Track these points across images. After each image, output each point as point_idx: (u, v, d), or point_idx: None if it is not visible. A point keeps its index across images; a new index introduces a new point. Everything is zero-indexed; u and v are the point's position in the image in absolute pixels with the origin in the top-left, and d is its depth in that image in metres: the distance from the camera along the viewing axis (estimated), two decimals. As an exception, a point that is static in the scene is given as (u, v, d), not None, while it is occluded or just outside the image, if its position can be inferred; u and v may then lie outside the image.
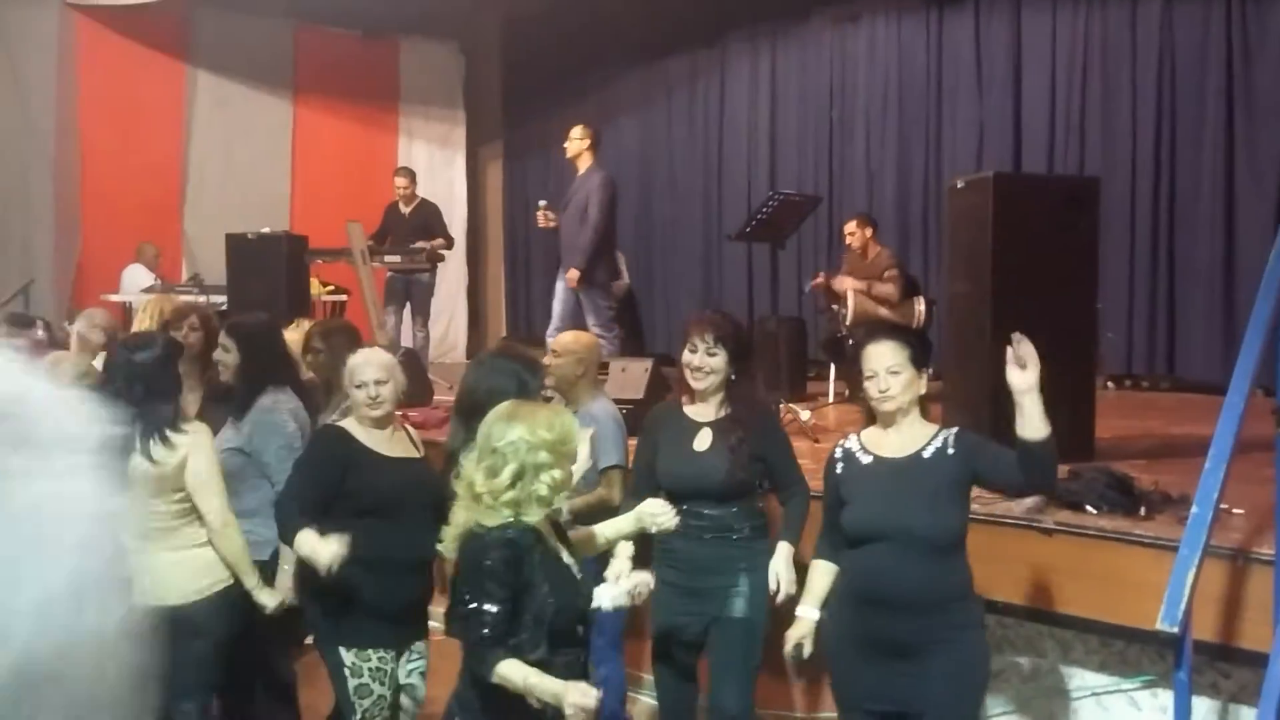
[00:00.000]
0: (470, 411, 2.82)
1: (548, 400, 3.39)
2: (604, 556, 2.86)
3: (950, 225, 4.50)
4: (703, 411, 3.19)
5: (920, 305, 6.38)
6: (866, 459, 2.74)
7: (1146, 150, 6.87)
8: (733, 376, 3.15)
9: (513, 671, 2.21)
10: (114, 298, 7.81)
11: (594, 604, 2.48)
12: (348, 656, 3.01)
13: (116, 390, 3.04)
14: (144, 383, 3.05)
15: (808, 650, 2.82)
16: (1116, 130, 6.98)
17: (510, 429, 2.33)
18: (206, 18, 9.17)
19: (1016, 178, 4.67)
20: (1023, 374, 2.50)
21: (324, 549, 2.82)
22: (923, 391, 2.72)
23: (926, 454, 2.66)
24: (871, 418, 2.78)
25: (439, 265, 7.89)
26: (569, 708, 2.14)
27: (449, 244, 7.94)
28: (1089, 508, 3.23)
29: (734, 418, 3.13)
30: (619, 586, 2.54)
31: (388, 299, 7.69)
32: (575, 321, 6.07)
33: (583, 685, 2.19)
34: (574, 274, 6.14)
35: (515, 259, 10.99)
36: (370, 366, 3.15)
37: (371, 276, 7.31)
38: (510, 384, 2.90)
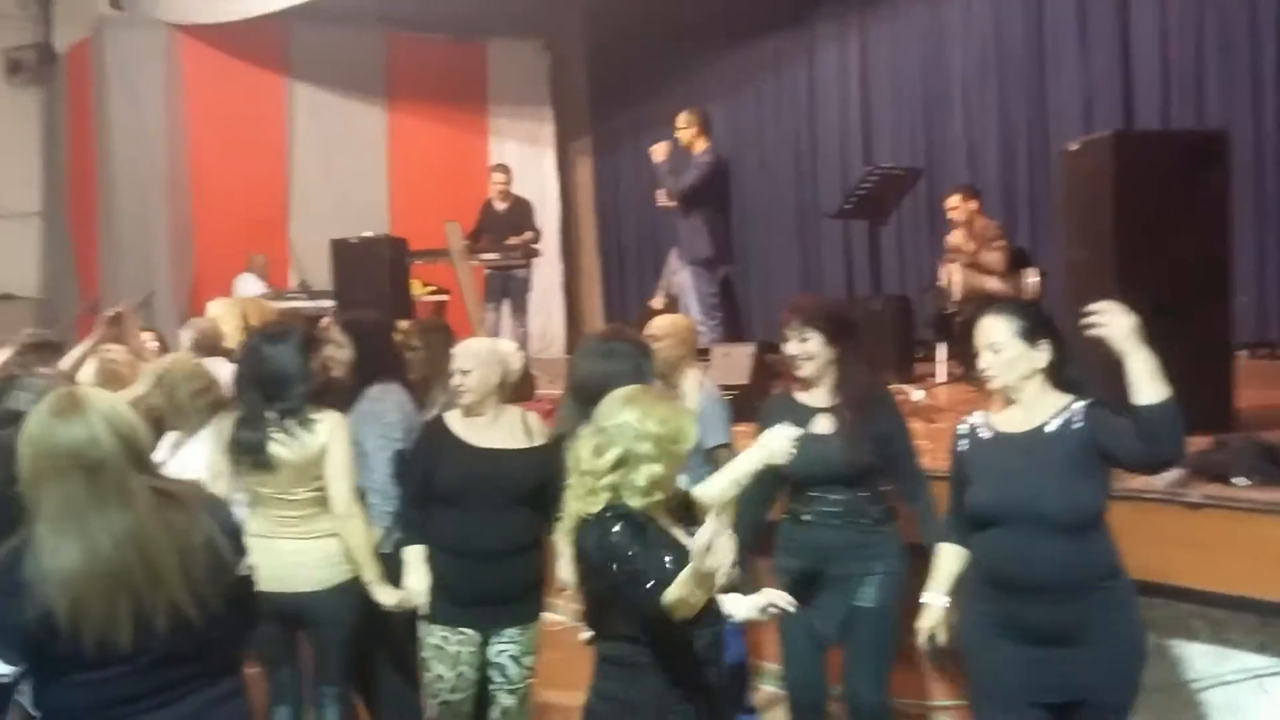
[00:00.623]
0: (585, 397, 2.80)
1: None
2: None
3: (1065, 190, 4.31)
4: (817, 397, 3.12)
5: (1032, 277, 6.15)
6: (988, 435, 2.62)
7: (1270, 99, 6.47)
8: (836, 358, 3.08)
9: (680, 586, 2.12)
10: (230, 306, 8.05)
11: (725, 611, 2.44)
12: (422, 630, 3.19)
13: (253, 380, 3.12)
14: (281, 372, 3.12)
15: (941, 638, 2.73)
16: (1235, 80, 6.60)
17: (623, 412, 2.30)
18: (303, 30, 9.37)
19: (1138, 135, 4.45)
20: (1113, 324, 2.34)
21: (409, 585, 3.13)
22: (1041, 365, 2.55)
23: (1050, 428, 2.52)
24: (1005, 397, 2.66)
25: (534, 260, 7.95)
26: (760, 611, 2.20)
27: (536, 237, 7.99)
28: (1237, 480, 3.05)
29: (847, 400, 3.06)
30: (753, 600, 2.51)
31: (486, 296, 7.79)
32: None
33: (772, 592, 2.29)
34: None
35: (609, 253, 11.02)
36: (460, 355, 3.25)
37: (470, 275, 7.41)
38: (626, 367, 2.88)
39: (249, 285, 8.55)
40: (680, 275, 6.83)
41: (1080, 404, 2.54)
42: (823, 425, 3.07)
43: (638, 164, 10.38)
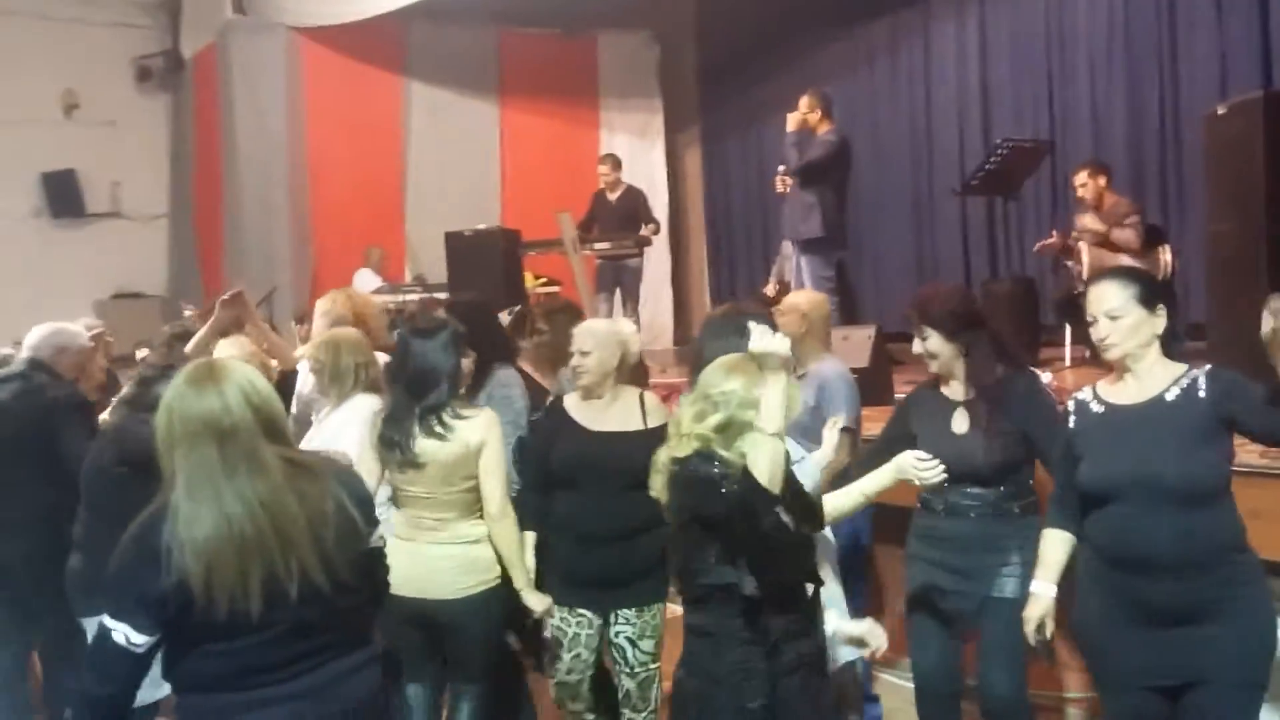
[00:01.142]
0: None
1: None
2: None
3: (1209, 158, 4.09)
4: (956, 390, 3.03)
5: (1166, 254, 5.84)
6: (1099, 409, 2.50)
7: None
8: (961, 352, 2.97)
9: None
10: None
11: (830, 655, 2.38)
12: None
13: (402, 376, 3.11)
14: (431, 368, 3.06)
15: (1049, 630, 2.61)
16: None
17: (729, 379, 2.29)
18: (419, 29, 9.55)
19: (1290, 96, 4.16)
20: None
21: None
22: (1159, 331, 2.45)
23: (1170, 396, 2.40)
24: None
25: (645, 250, 7.93)
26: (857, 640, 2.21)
27: (657, 229, 7.97)
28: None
29: (983, 394, 2.95)
30: (857, 626, 2.44)
31: (598, 286, 7.80)
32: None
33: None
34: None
35: (718, 244, 10.91)
36: (579, 336, 3.24)
37: (583, 265, 7.43)
38: (736, 336, 2.77)
39: (366, 280, 8.76)
40: (792, 261, 6.75)
41: (1200, 371, 2.43)
42: (960, 422, 2.99)
43: (745, 153, 10.31)
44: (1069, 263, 5.92)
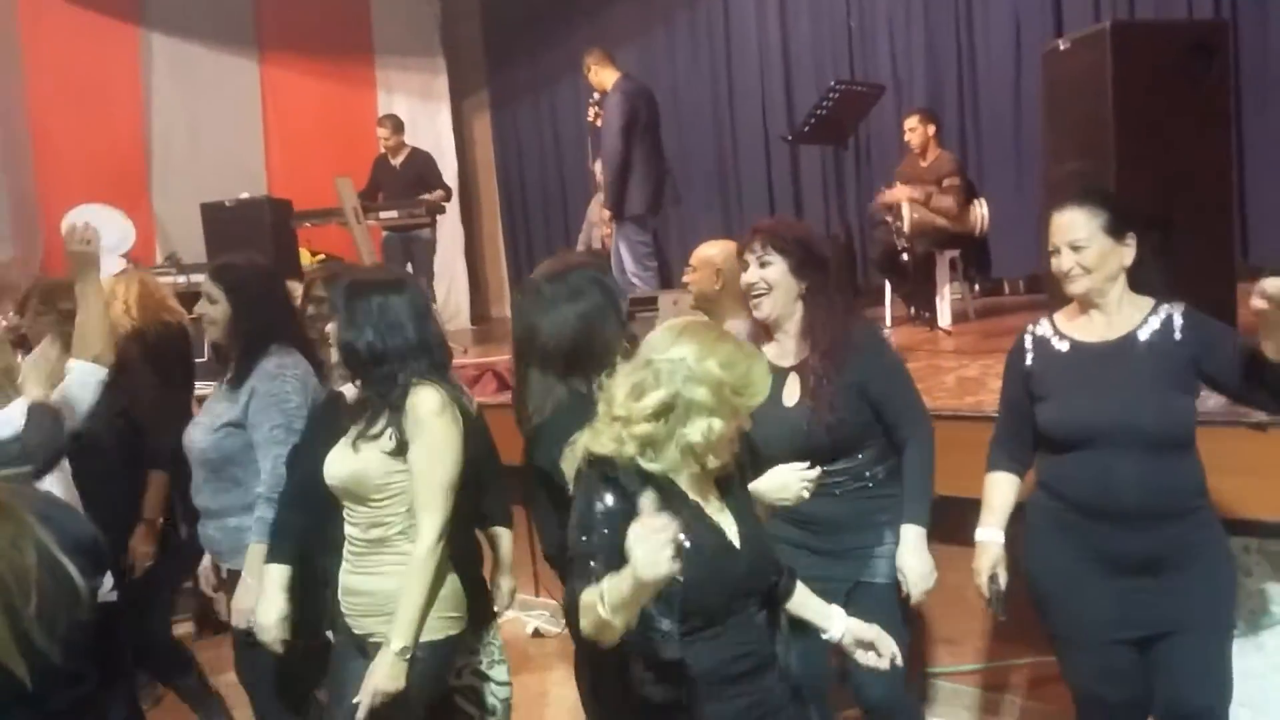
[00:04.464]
0: (543, 355, 2.15)
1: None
2: None
3: (1049, 97, 3.86)
4: (783, 352, 2.54)
5: (981, 209, 5.76)
6: (1063, 345, 2.30)
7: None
8: (804, 294, 2.51)
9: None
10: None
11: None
12: None
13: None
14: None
15: (1003, 580, 2.34)
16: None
17: (676, 346, 1.73)
18: (155, -25, 8.41)
19: (1135, 27, 4.04)
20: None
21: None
22: (1128, 263, 2.24)
23: (1143, 335, 2.23)
24: (1065, 299, 2.33)
25: (439, 220, 7.26)
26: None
27: (448, 194, 7.32)
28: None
29: (819, 353, 2.47)
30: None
31: (386, 260, 7.03)
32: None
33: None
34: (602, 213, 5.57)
35: (513, 214, 10.29)
36: None
37: (367, 236, 6.65)
38: (568, 301, 2.17)
39: (107, 262, 7.60)
40: (602, 228, 6.27)
41: (1175, 310, 2.23)
42: (791, 392, 2.51)
43: (539, 117, 9.76)
44: (889, 218, 5.73)
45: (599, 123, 5.85)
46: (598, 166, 6.16)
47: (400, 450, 2.21)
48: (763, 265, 2.52)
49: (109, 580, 1.65)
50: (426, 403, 2.21)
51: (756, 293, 2.54)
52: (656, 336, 1.79)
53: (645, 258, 5.71)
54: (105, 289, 4.47)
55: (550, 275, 2.25)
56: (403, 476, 2.24)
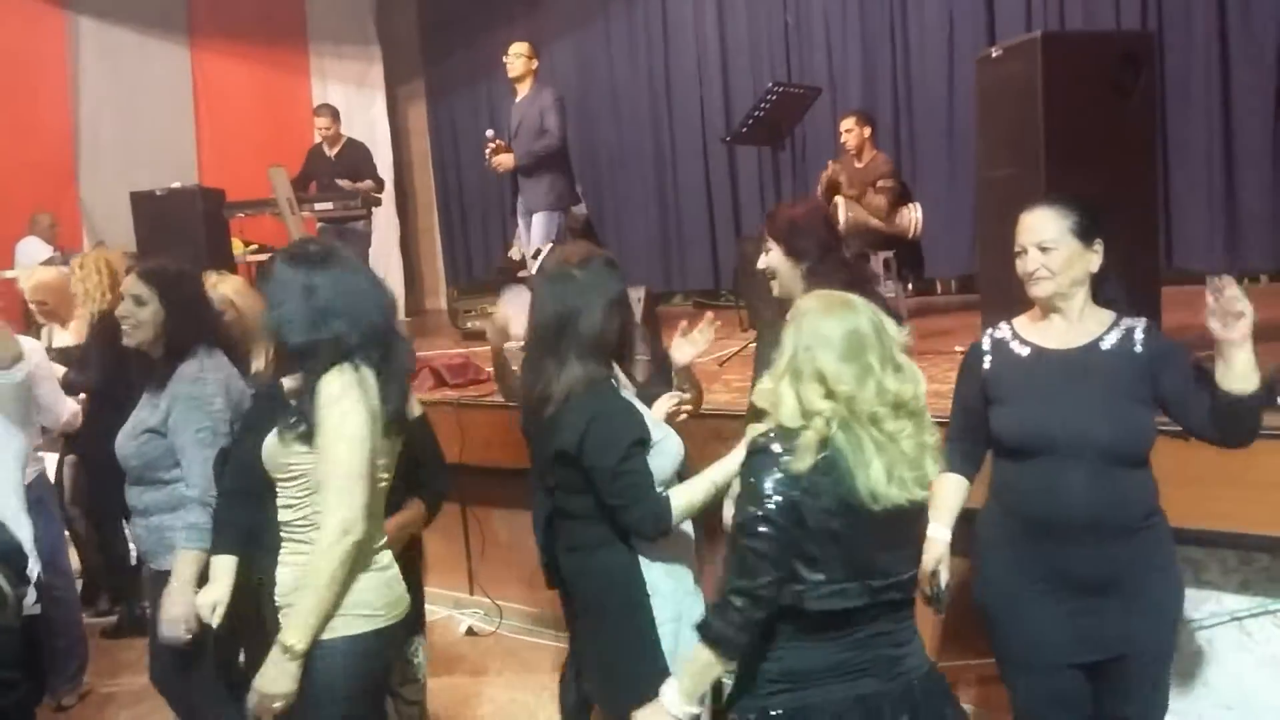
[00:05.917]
0: (578, 339, 2.17)
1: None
2: None
3: (983, 102, 3.94)
4: None
5: (915, 212, 5.85)
6: (1023, 350, 2.24)
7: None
8: (805, 274, 2.59)
9: None
10: (9, 274, 6.91)
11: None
12: None
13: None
14: None
15: (945, 579, 2.28)
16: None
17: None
18: (83, -43, 8.16)
19: (1066, 37, 4.12)
20: (1233, 325, 1.94)
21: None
22: (1093, 270, 2.18)
23: (1105, 345, 2.17)
24: (998, 301, 2.42)
25: (374, 212, 7.16)
26: None
27: (379, 186, 7.21)
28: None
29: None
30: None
31: (321, 253, 6.91)
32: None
33: None
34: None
35: (449, 206, 10.18)
36: None
37: (301, 227, 6.54)
38: (619, 281, 2.26)
39: (34, 249, 7.41)
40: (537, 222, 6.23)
41: (1138, 325, 2.18)
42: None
43: (476, 107, 9.65)
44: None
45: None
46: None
47: (306, 437, 2.08)
48: (766, 253, 2.64)
49: (32, 593, 1.60)
50: (328, 388, 2.07)
51: (769, 279, 2.65)
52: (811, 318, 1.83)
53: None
54: (74, 267, 4.46)
55: (580, 261, 2.27)
56: (300, 458, 2.11)
